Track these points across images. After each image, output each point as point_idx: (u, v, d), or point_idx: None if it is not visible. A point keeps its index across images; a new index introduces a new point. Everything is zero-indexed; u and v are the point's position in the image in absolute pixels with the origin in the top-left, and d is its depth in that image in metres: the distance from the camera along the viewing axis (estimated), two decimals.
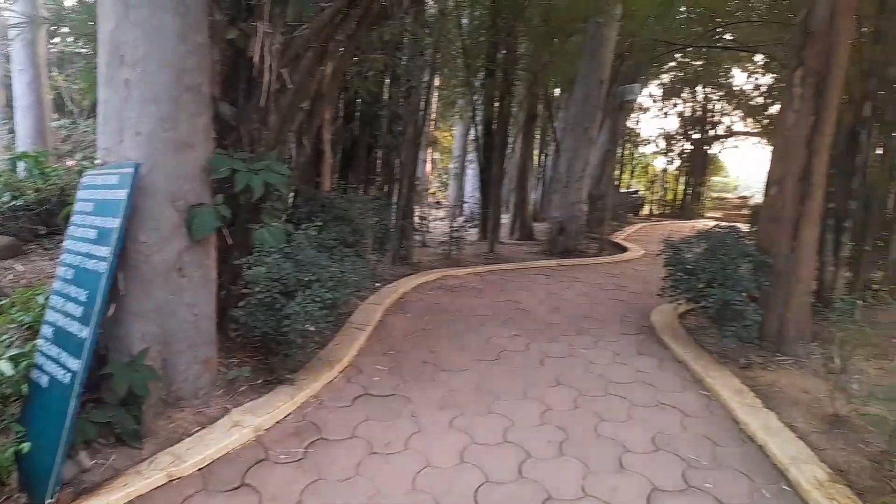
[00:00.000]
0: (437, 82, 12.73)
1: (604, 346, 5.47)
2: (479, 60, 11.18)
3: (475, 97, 11.68)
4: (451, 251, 9.73)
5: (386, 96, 8.16)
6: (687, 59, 16.38)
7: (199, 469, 3.06)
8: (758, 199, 31.95)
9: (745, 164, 30.92)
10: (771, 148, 6.09)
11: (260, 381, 4.05)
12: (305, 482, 3.00)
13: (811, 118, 5.46)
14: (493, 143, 11.71)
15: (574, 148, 10.96)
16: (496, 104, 11.54)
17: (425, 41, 8.67)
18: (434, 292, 7.26)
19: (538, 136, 16.87)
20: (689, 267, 5.66)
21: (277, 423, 3.60)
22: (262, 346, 4.37)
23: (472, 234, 12.22)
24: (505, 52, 11.15)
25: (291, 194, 5.73)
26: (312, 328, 3.94)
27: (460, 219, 10.64)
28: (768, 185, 5.79)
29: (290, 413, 3.73)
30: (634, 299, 7.38)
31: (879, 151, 7.26)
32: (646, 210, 26.87)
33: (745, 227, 6.73)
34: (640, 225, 20.83)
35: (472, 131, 12.66)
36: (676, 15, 11.73)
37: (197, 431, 3.35)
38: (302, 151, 5.16)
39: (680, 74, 20.55)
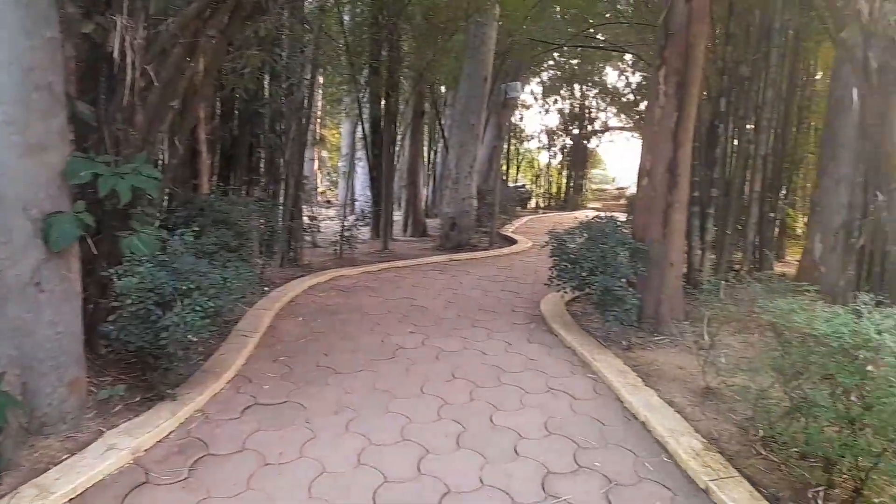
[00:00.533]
0: (321, 80, 12.50)
1: (497, 338, 5.60)
2: (363, 58, 11.06)
3: (361, 95, 11.55)
4: (343, 250, 9.58)
5: (267, 94, 7.87)
6: (563, 59, 17.13)
7: (70, 500, 2.78)
8: (633, 189, 34.29)
9: (622, 157, 32.89)
10: (641, 141, 6.53)
11: (137, 399, 3.76)
12: (192, 502, 2.82)
13: (675, 114, 5.88)
14: (382, 141, 11.65)
15: (461, 144, 11.14)
16: (383, 102, 11.48)
17: (306, 37, 8.45)
18: (326, 294, 7.11)
19: (427, 133, 16.99)
20: (572, 257, 5.92)
21: (158, 442, 3.36)
22: (138, 361, 4.06)
23: (365, 232, 12.11)
24: (389, 49, 11.11)
25: (165, 198, 5.37)
26: (194, 339, 3.71)
27: (351, 217, 10.49)
28: (640, 177, 6.19)
29: (173, 430, 3.50)
30: (524, 290, 7.63)
31: (735, 143, 7.97)
32: (532, 203, 27.85)
33: (622, 217, 7.12)
34: (527, 218, 21.56)
35: (360, 129, 12.52)
36: (551, 16, 12.25)
37: (66, 459, 3.05)
38: (175, 152, 4.84)
39: (557, 73, 21.47)
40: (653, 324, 5.73)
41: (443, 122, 14.97)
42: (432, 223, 15.39)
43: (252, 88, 6.73)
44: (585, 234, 6.07)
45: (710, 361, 4.37)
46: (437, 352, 5.13)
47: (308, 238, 10.10)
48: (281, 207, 8.16)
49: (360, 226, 12.74)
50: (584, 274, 5.60)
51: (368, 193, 13.24)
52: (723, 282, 5.22)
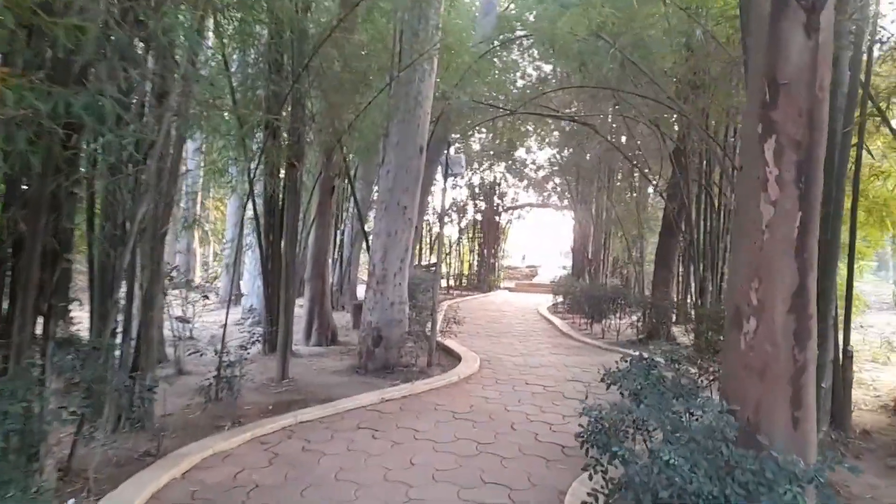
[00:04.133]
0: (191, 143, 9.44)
1: None
2: (256, 116, 8.21)
3: (254, 164, 8.64)
4: (220, 394, 6.40)
5: (90, 162, 4.82)
6: (505, 124, 15.11)
7: None
8: (545, 269, 33.13)
9: (530, 234, 31.62)
10: (732, 257, 4.15)
11: None
12: None
13: (798, 214, 3.58)
14: (281, 224, 8.74)
15: (389, 232, 8.45)
16: (282, 173, 8.61)
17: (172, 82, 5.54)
18: None
19: (336, 209, 14.17)
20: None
21: None
22: None
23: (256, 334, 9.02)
24: (293, 105, 8.34)
25: None
26: None
27: (240, 323, 7.37)
28: (734, 318, 3.76)
29: None
30: (516, 478, 4.81)
31: None
32: (443, 283, 25.43)
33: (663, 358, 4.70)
34: (446, 303, 19.04)
35: (251, 208, 9.51)
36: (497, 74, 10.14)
37: None
38: None
39: (491, 142, 19.57)
40: None
41: (357, 196, 12.22)
42: (340, 319, 12.39)
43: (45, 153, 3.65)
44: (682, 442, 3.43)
45: None
46: None
47: (168, 369, 6.91)
48: (114, 343, 4.94)
49: (248, 327, 9.67)
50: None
51: (260, 286, 10.12)
52: None
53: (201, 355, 7.48)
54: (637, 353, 4.89)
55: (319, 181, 10.20)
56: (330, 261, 15.48)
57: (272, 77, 8.10)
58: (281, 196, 8.90)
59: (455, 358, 9.34)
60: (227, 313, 7.61)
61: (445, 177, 8.87)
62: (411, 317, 9.16)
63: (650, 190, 15.53)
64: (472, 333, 12.47)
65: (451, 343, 10.13)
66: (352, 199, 11.30)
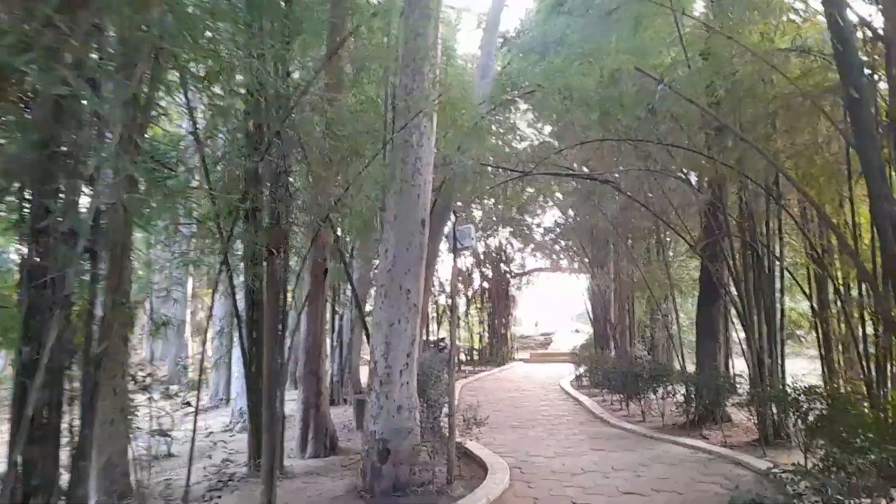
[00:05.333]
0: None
1: None
2: (233, 196, 7.06)
3: (231, 253, 7.44)
4: None
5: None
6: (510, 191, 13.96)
7: None
8: (560, 335, 31.52)
9: (541, 300, 30.20)
10: None
11: None
12: None
13: None
14: (262, 318, 7.42)
15: (392, 321, 7.11)
16: (264, 261, 7.37)
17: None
18: None
19: (332, 296, 12.88)
20: None
21: None
22: None
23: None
24: (274, 183, 7.19)
25: None
26: None
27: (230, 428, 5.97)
28: None
29: None
30: None
31: None
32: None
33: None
34: (460, 382, 17.46)
35: (231, 302, 8.25)
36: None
37: None
38: None
39: (497, 209, 18.45)
40: None
41: (354, 281, 10.94)
42: (342, 415, 10.87)
43: None
44: None
45: None
46: None
47: None
48: None
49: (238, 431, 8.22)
50: None
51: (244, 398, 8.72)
52: None
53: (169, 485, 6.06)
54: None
55: (308, 266, 8.96)
56: (328, 349, 14.09)
57: (245, 151, 7.00)
58: (262, 287, 7.62)
59: (479, 465, 7.80)
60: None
61: (455, 251, 7.62)
62: (423, 420, 7.70)
63: (671, 252, 14.24)
64: (492, 423, 10.89)
65: (471, 445, 8.57)
66: (348, 280, 9.97)
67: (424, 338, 18.20)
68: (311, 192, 7.69)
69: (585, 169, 11.10)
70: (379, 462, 6.82)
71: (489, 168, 8.99)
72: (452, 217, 9.62)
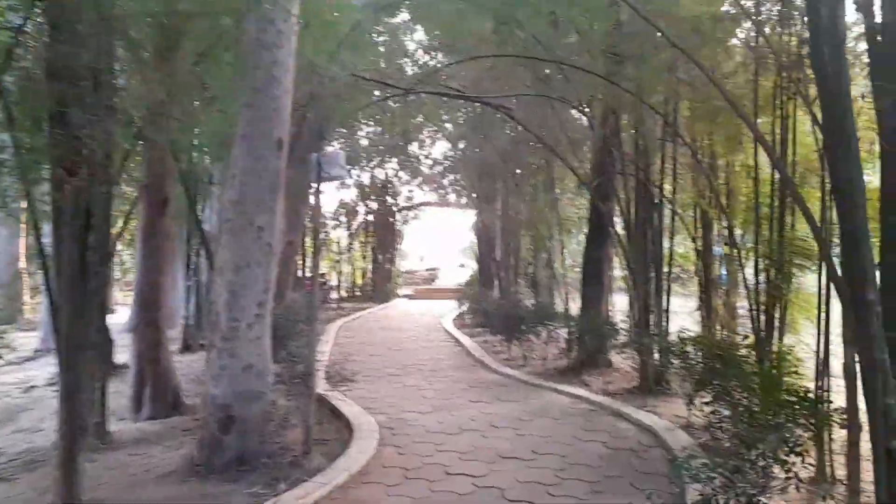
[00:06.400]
0: None
1: None
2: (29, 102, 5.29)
3: (29, 167, 5.70)
4: None
5: None
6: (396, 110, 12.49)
7: None
8: (448, 271, 31.07)
9: (428, 234, 29.48)
10: None
11: None
12: None
13: None
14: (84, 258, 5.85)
15: (239, 264, 5.82)
16: (67, 184, 5.72)
17: None
18: None
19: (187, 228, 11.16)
20: None
21: None
22: None
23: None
24: (94, 76, 5.44)
25: None
26: None
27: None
28: None
29: None
30: None
31: None
32: (334, 295, 22.80)
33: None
34: (339, 322, 16.49)
35: (35, 236, 6.53)
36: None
37: None
38: None
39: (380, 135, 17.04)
40: None
41: (204, 216, 9.36)
42: (197, 364, 9.51)
43: None
44: None
45: None
46: None
47: None
48: None
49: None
50: None
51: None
52: None
53: None
54: None
55: (144, 193, 7.36)
56: (182, 291, 12.48)
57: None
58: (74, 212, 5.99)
59: (345, 426, 6.87)
60: None
61: (318, 180, 6.35)
62: (284, 377, 6.62)
63: (559, 189, 13.70)
64: (367, 370, 10.06)
65: (339, 401, 7.62)
66: (194, 215, 8.36)
67: (300, 275, 16.88)
68: (138, 96, 6.05)
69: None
70: (220, 432, 5.68)
71: (367, 81, 7.61)
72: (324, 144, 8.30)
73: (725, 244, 8.97)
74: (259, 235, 5.89)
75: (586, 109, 8.87)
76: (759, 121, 6.28)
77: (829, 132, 3.18)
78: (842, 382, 4.52)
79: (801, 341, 6.48)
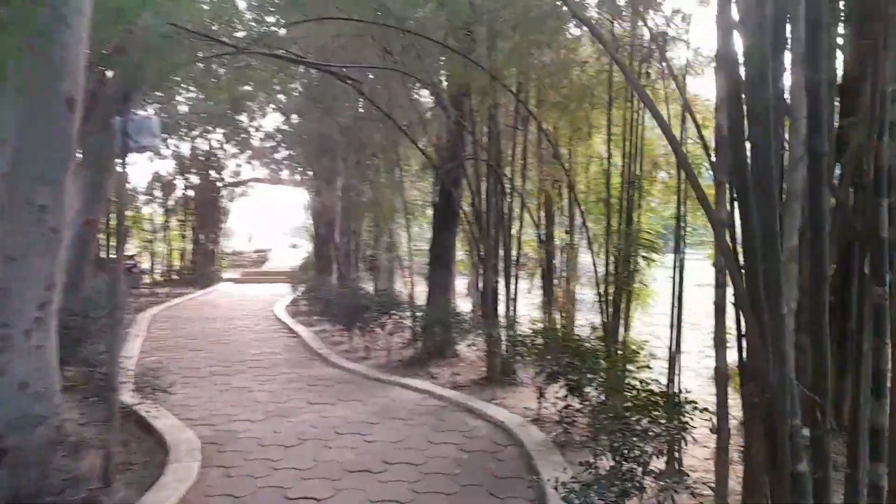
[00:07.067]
0: None
1: None
2: None
3: None
4: None
5: None
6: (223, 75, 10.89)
7: None
8: (277, 252, 29.19)
9: (258, 213, 27.52)
10: None
11: None
12: None
13: None
14: None
15: (11, 254, 4.51)
16: None
17: None
18: None
19: None
20: None
21: None
22: None
23: None
24: None
25: None
26: None
27: None
28: None
29: None
30: None
31: None
32: (146, 279, 20.41)
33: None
34: (152, 311, 14.61)
35: None
36: None
37: None
38: None
39: (203, 102, 15.14)
40: None
41: None
42: None
43: None
44: None
45: None
46: None
47: None
48: None
49: None
50: None
51: None
52: None
53: None
54: None
55: None
56: None
57: None
58: None
59: (159, 445, 5.78)
60: None
61: (123, 151, 5.15)
62: (74, 387, 5.36)
63: (403, 171, 13.20)
64: (186, 370, 8.83)
65: (152, 413, 6.44)
66: None
67: (103, 255, 14.64)
68: None
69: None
70: None
71: (190, 34, 6.39)
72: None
73: (566, 232, 9.15)
74: (41, 218, 4.62)
75: (440, 88, 8.43)
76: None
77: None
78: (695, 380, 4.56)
79: (654, 335, 6.67)
